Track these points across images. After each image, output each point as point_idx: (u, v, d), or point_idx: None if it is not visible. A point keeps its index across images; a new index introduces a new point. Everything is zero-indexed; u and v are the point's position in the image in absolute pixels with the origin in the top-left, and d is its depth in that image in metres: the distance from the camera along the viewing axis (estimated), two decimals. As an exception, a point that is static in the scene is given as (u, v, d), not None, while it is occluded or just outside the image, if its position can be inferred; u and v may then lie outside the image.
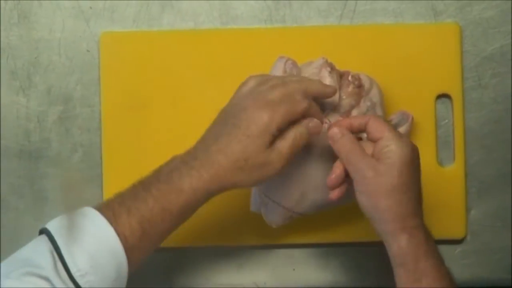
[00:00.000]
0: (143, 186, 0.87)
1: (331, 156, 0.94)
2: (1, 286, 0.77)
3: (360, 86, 0.99)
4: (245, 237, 1.08)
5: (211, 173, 0.87)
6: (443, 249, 1.06)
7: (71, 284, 0.80)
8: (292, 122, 0.89)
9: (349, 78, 0.99)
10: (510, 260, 1.09)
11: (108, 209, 0.84)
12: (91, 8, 1.09)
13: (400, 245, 0.87)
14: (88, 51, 1.09)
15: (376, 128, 0.90)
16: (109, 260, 0.82)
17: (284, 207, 0.98)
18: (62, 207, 1.08)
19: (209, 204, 1.05)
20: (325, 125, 0.94)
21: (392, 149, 0.88)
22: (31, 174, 1.08)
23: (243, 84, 0.93)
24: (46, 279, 0.79)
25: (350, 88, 0.98)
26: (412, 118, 1.03)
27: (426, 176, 1.02)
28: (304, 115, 0.90)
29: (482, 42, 1.09)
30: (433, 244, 0.88)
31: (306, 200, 0.98)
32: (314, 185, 0.97)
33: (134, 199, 0.86)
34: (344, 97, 0.98)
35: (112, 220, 0.83)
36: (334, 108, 0.97)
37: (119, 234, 0.83)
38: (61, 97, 1.09)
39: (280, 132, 0.89)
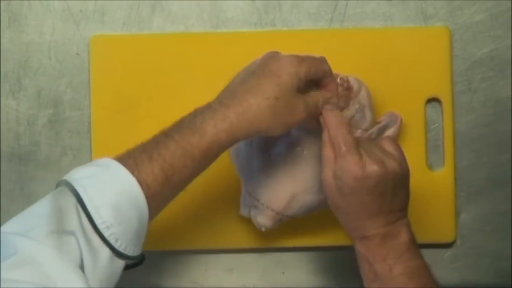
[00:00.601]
0: (165, 134, 0.85)
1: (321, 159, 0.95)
2: (20, 247, 0.74)
3: (349, 88, 0.99)
4: (235, 241, 1.08)
5: (239, 112, 0.85)
6: (433, 253, 1.08)
7: (96, 237, 0.78)
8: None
9: (338, 80, 0.99)
10: (499, 264, 1.09)
11: (129, 158, 0.83)
12: (81, 11, 1.08)
13: (362, 248, 0.91)
14: (78, 54, 1.09)
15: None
16: (132, 210, 0.80)
17: (273, 210, 0.98)
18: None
19: (199, 207, 1.07)
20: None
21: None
22: (21, 177, 1.08)
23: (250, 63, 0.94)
24: (72, 233, 0.77)
25: (339, 90, 0.98)
26: (401, 120, 1.03)
27: (415, 180, 1.02)
28: (325, 81, 0.92)
29: (472, 46, 1.09)
30: (389, 247, 0.89)
31: (295, 203, 0.98)
32: (304, 188, 0.97)
33: (155, 146, 0.84)
34: None
35: (134, 168, 0.82)
36: None
37: (141, 182, 0.81)
38: (51, 100, 1.08)
39: (305, 86, 0.90)
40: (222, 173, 1.05)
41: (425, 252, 1.05)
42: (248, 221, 1.03)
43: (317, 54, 0.93)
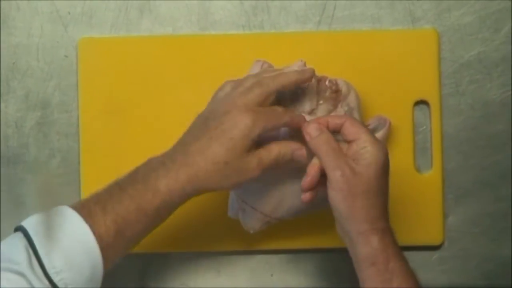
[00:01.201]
0: (119, 186, 0.87)
1: (310, 161, 0.94)
2: None
3: (337, 91, 0.99)
4: (223, 243, 1.08)
5: (189, 174, 0.87)
6: (421, 255, 1.08)
7: (45, 281, 0.79)
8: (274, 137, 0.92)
9: (326, 83, 0.99)
10: (487, 266, 1.09)
11: (84, 208, 0.84)
12: (69, 13, 1.08)
13: (372, 246, 0.87)
14: (66, 56, 1.08)
15: (353, 129, 0.90)
16: (84, 258, 0.82)
17: (261, 212, 0.98)
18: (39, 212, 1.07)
19: (187, 209, 1.05)
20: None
21: (368, 150, 0.88)
22: (9, 179, 1.08)
23: (220, 89, 0.94)
24: (22, 275, 0.78)
25: (327, 93, 0.98)
26: (390, 123, 1.03)
27: (403, 182, 1.03)
28: (287, 127, 0.92)
29: (460, 48, 1.09)
30: (398, 246, 0.89)
31: (283, 205, 0.98)
32: (292, 190, 0.97)
33: (109, 198, 0.86)
34: (321, 102, 0.98)
35: (88, 218, 0.83)
36: (311, 112, 0.97)
37: (94, 232, 0.82)
38: (39, 102, 1.08)
39: (259, 139, 0.90)
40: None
41: (413, 255, 1.06)
42: (236, 223, 1.03)
43: (303, 57, 0.94)
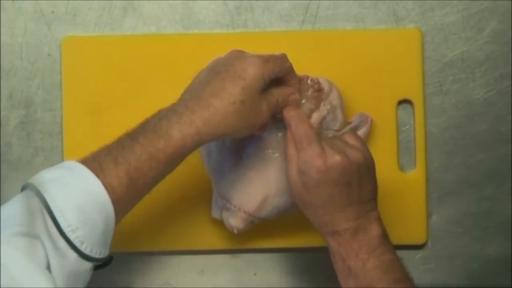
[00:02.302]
0: (130, 136, 0.85)
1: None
2: None
3: (319, 89, 0.99)
4: (206, 242, 1.08)
5: (205, 117, 0.86)
6: (404, 254, 1.08)
7: (62, 240, 0.78)
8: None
9: (308, 82, 0.99)
10: (470, 265, 1.09)
11: (95, 161, 0.82)
12: (53, 12, 1.08)
13: (330, 245, 0.91)
14: (49, 55, 1.08)
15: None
16: (97, 213, 0.80)
17: (245, 212, 0.98)
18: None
19: (171, 208, 1.07)
20: None
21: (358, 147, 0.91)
22: (-8, 178, 1.08)
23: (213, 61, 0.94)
24: (37, 237, 0.77)
25: (310, 92, 0.98)
26: (371, 120, 1.03)
27: (387, 181, 1.03)
28: (286, 78, 0.93)
29: (444, 48, 1.09)
30: (362, 241, 0.89)
31: (267, 205, 0.98)
32: (276, 190, 0.97)
33: (121, 149, 0.84)
34: (303, 101, 0.98)
35: (99, 171, 0.81)
36: None
37: (106, 185, 0.81)
38: (22, 101, 1.08)
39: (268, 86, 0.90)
40: (194, 174, 1.05)
41: (397, 253, 1.05)
42: (219, 223, 1.03)
43: (278, 52, 0.93)
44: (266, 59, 0.90)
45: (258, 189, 0.97)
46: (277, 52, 0.99)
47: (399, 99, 1.08)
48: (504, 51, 1.09)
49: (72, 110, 1.07)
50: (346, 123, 1.02)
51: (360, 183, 0.89)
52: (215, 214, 1.03)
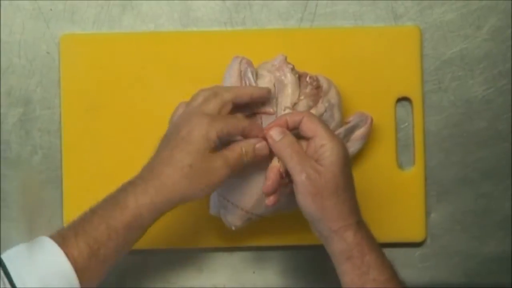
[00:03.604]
0: (91, 209, 0.88)
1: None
2: None
3: (318, 87, 0.99)
4: (205, 240, 1.08)
5: (157, 186, 0.87)
6: (403, 252, 1.08)
7: None
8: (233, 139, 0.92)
9: (307, 79, 0.99)
10: (469, 263, 1.09)
11: (58, 235, 0.86)
12: (51, 9, 1.08)
13: (347, 241, 0.88)
14: (48, 53, 1.08)
15: (311, 125, 0.90)
16: (59, 281, 0.82)
17: (242, 209, 0.98)
18: (21, 209, 1.07)
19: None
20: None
21: (327, 148, 0.89)
22: (-9, 176, 1.08)
23: (175, 111, 0.95)
24: None
25: (308, 89, 0.98)
26: (372, 120, 1.03)
27: (386, 179, 1.03)
28: (245, 134, 0.92)
29: (442, 45, 1.09)
30: (373, 239, 0.89)
31: (264, 201, 0.98)
32: None
33: (82, 222, 0.87)
34: (302, 97, 0.98)
35: (61, 243, 0.84)
36: (293, 108, 0.97)
37: (67, 255, 0.83)
38: (21, 99, 1.08)
39: (221, 143, 0.90)
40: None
41: (395, 251, 1.06)
42: (218, 220, 1.03)
43: (285, 54, 0.93)
44: (213, 119, 0.89)
45: (254, 186, 0.97)
46: (275, 51, 1.00)
47: (397, 97, 1.08)
48: (503, 48, 1.09)
49: (71, 108, 1.07)
50: (343, 122, 1.02)
51: None
52: (213, 211, 1.03)
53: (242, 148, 0.91)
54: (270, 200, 0.92)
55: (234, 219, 1.00)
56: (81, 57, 1.07)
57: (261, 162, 0.94)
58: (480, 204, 1.09)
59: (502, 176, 1.09)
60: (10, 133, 1.08)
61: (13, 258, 0.83)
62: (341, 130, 1.00)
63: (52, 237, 0.85)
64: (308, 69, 1.01)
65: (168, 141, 0.90)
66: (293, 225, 1.06)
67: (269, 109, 0.97)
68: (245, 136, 0.92)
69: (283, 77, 0.98)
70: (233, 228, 1.01)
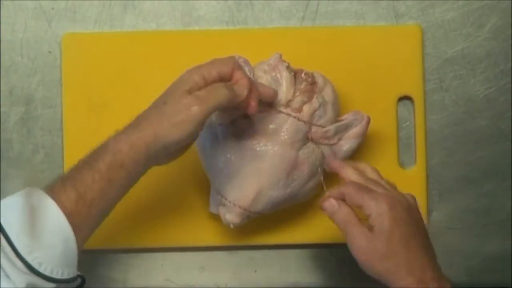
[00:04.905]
0: (79, 159, 0.89)
1: (286, 153, 0.96)
2: None
3: (313, 83, 0.99)
4: (206, 238, 1.08)
5: (133, 124, 0.89)
6: (404, 251, 1.08)
7: (19, 262, 0.80)
8: None
9: (302, 75, 0.99)
10: (470, 262, 1.09)
11: (47, 186, 0.86)
12: (53, 8, 1.08)
13: None
14: (50, 52, 1.08)
15: (354, 198, 0.90)
16: (51, 230, 0.82)
17: (240, 207, 0.99)
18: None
19: (170, 205, 1.07)
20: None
21: (374, 216, 0.88)
22: (-7, 174, 1.08)
23: None
24: None
25: (303, 86, 0.99)
26: (368, 120, 1.02)
27: (387, 178, 1.02)
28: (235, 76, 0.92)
29: (444, 44, 1.09)
30: None
31: (262, 198, 0.98)
32: (269, 183, 0.98)
33: (68, 171, 0.88)
34: (297, 93, 0.98)
35: (49, 191, 0.84)
36: (287, 104, 0.98)
37: (55, 200, 0.83)
38: (23, 98, 1.08)
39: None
40: (192, 170, 1.05)
41: None
42: (219, 219, 1.03)
43: (287, 53, 0.94)
44: (202, 64, 0.91)
45: (251, 183, 0.97)
46: (277, 49, 1.00)
47: (399, 96, 1.08)
48: (504, 47, 1.09)
49: (72, 107, 1.07)
50: (336, 120, 1.01)
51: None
52: (213, 209, 1.03)
53: (217, 88, 0.90)
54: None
55: (232, 217, 1.00)
56: (83, 56, 1.07)
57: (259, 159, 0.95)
58: (482, 203, 1.09)
59: (504, 175, 1.09)
60: (11, 132, 1.08)
61: (4, 209, 0.82)
62: (331, 127, 0.99)
63: (41, 189, 0.85)
64: (310, 68, 1.01)
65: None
66: (295, 223, 1.07)
67: (265, 107, 0.97)
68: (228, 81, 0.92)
69: (278, 75, 0.99)
70: (232, 226, 1.01)
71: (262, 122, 0.97)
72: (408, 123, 1.09)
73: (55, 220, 0.83)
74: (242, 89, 0.91)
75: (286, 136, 0.97)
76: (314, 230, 1.07)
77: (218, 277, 1.09)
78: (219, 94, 0.89)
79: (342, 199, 0.91)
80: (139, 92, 1.07)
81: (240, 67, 0.93)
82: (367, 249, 0.88)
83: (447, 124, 1.09)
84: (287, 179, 0.98)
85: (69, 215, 0.83)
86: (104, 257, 1.08)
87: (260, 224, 1.04)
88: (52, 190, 0.84)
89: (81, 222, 0.85)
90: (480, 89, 1.09)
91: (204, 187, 1.04)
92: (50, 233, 0.82)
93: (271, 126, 0.97)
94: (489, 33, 1.09)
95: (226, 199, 0.99)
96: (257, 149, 0.97)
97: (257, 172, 0.97)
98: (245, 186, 0.97)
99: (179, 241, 1.07)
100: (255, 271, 1.09)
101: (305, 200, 1.01)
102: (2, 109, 1.08)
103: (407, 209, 0.90)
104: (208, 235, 1.07)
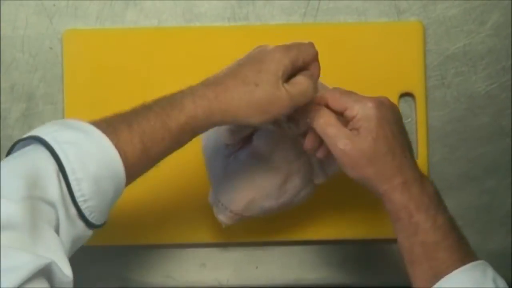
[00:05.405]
0: (145, 106, 0.84)
1: (282, 165, 0.96)
2: (1, 210, 0.71)
3: None
4: (208, 235, 1.08)
5: (217, 92, 0.84)
6: (406, 247, 1.07)
7: (73, 208, 0.77)
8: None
9: None
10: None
11: (109, 125, 0.80)
12: (54, 5, 1.08)
13: (393, 203, 0.86)
14: (51, 48, 1.08)
15: (338, 100, 0.89)
16: (110, 183, 0.79)
17: (231, 211, 0.99)
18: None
19: (171, 201, 1.07)
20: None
21: (359, 117, 0.87)
22: (-6, 171, 1.08)
23: None
24: (52, 205, 0.75)
25: None
26: None
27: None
28: (309, 67, 0.89)
29: (445, 41, 1.09)
30: (428, 196, 0.87)
31: (254, 206, 0.98)
32: (263, 193, 0.98)
33: (135, 115, 0.82)
34: None
35: (114, 136, 0.79)
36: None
37: (120, 152, 0.79)
38: (24, 94, 1.08)
39: (293, 72, 0.87)
40: (194, 167, 1.05)
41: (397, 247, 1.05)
42: (221, 216, 1.03)
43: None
44: (289, 46, 0.87)
45: (244, 193, 0.97)
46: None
47: (400, 92, 1.08)
48: (506, 44, 1.09)
49: (74, 103, 1.07)
50: None
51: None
52: (212, 200, 1.02)
53: (307, 90, 0.87)
54: (319, 152, 0.91)
55: (223, 219, 1.00)
56: (84, 52, 1.07)
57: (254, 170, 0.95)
58: (483, 200, 1.09)
59: (505, 172, 1.09)
60: (13, 128, 1.08)
61: (64, 149, 0.77)
62: None
63: (102, 127, 0.79)
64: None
65: (238, 62, 0.87)
66: (296, 220, 1.07)
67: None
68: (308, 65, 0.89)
69: None
70: (223, 226, 1.01)
71: (260, 138, 0.96)
72: (409, 119, 1.09)
73: (114, 171, 0.79)
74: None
75: (283, 151, 0.96)
76: (316, 226, 1.07)
77: (219, 274, 1.09)
78: (307, 96, 0.87)
79: (325, 104, 0.89)
80: (140, 89, 1.07)
81: (317, 58, 0.90)
82: (352, 152, 0.86)
83: (448, 120, 1.09)
84: (279, 191, 0.97)
85: (128, 167, 0.79)
86: (104, 254, 1.08)
87: (261, 221, 1.04)
88: (117, 137, 0.79)
89: (135, 173, 0.82)
90: (481, 86, 1.09)
91: (205, 184, 1.03)
92: (106, 182, 0.78)
93: (270, 143, 0.96)
94: (490, 30, 1.09)
95: (219, 201, 0.99)
96: (253, 162, 0.96)
97: (251, 182, 0.96)
98: (238, 194, 0.97)
99: (180, 237, 1.07)
100: (256, 267, 1.09)
101: (299, 205, 1.01)
102: (3, 106, 1.08)
103: (390, 109, 0.89)
104: (209, 231, 1.07)
